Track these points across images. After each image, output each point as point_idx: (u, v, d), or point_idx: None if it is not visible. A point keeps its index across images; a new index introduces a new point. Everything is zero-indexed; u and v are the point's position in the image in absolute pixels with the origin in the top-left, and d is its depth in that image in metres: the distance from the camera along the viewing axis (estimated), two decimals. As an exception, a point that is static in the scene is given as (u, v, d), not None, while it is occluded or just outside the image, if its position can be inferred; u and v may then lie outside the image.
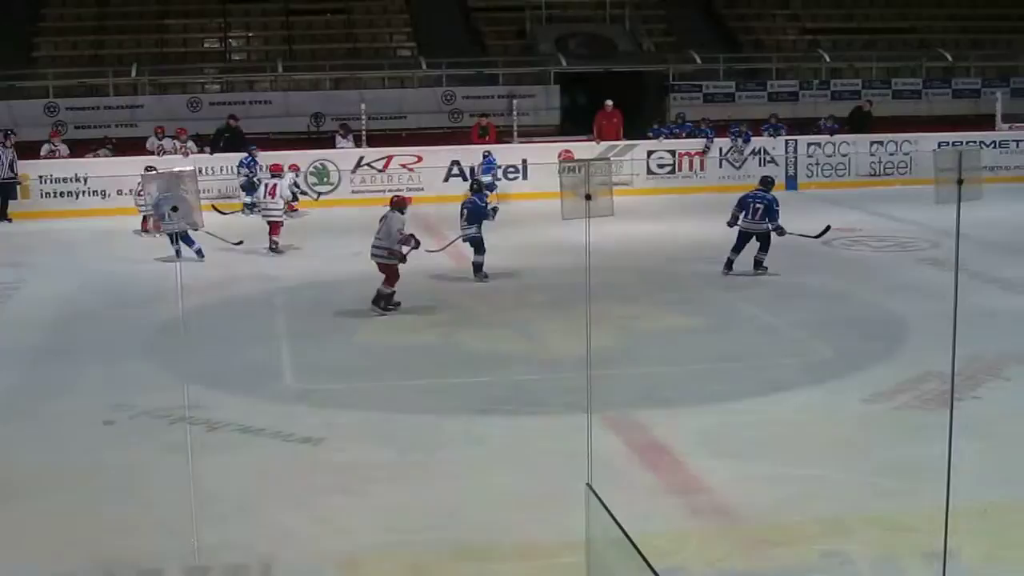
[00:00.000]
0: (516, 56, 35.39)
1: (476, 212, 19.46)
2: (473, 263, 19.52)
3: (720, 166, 29.98)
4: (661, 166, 29.93)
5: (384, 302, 17.36)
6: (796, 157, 30.18)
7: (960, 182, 5.03)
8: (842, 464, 11.18)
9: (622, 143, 29.79)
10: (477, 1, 37.26)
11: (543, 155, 28.24)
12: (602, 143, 29.50)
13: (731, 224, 19.60)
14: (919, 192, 24.46)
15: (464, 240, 19.70)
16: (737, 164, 29.93)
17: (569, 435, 11.44)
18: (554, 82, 33.93)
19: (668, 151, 30.05)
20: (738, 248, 19.40)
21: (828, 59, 34.64)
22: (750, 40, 36.72)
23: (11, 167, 27.01)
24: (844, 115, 32.04)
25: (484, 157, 28.01)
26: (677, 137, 30.83)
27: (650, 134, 30.92)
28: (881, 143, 30.50)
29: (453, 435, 12.16)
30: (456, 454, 11.66)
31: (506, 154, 29.20)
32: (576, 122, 32.72)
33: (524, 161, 29.06)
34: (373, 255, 17.57)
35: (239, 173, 27.13)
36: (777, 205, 19.47)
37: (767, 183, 20.16)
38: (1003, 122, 32.24)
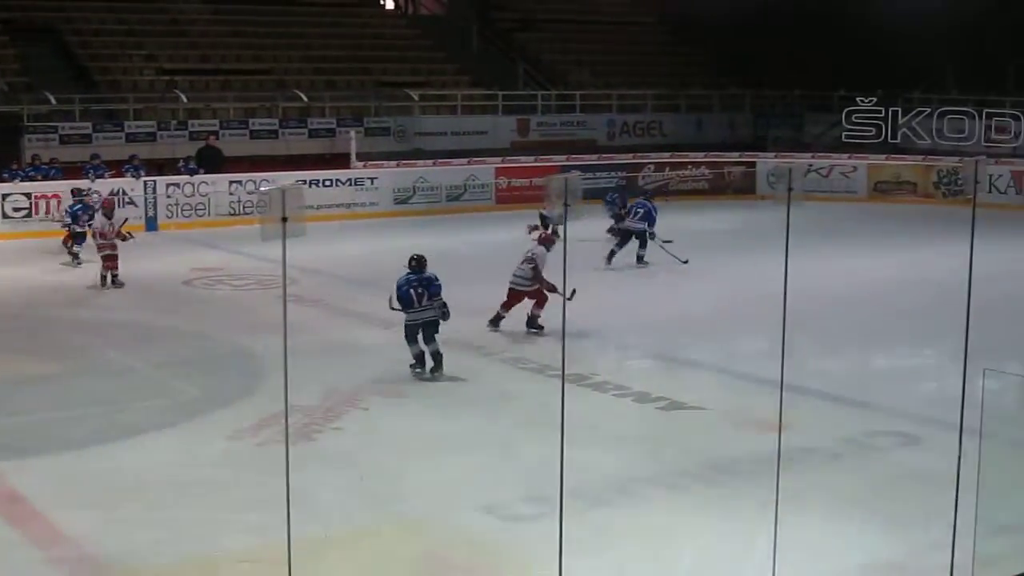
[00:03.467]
0: None
1: None
2: None
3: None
4: (17, 209, 28.83)
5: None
6: (156, 198, 29.93)
7: (284, 220, 5.15)
8: (207, 503, 11.16)
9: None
10: None
11: None
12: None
13: None
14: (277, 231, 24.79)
15: None
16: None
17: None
18: None
19: (24, 194, 28.99)
20: None
21: (185, 99, 34.58)
22: (107, 80, 36.09)
23: None
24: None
25: None
26: (33, 179, 29.81)
27: (6, 176, 29.72)
28: (240, 182, 30.78)
29: None
30: None
31: None
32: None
33: None
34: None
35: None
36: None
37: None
38: (357, 160, 33.39)
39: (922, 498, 10.89)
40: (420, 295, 15.73)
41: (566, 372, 13.67)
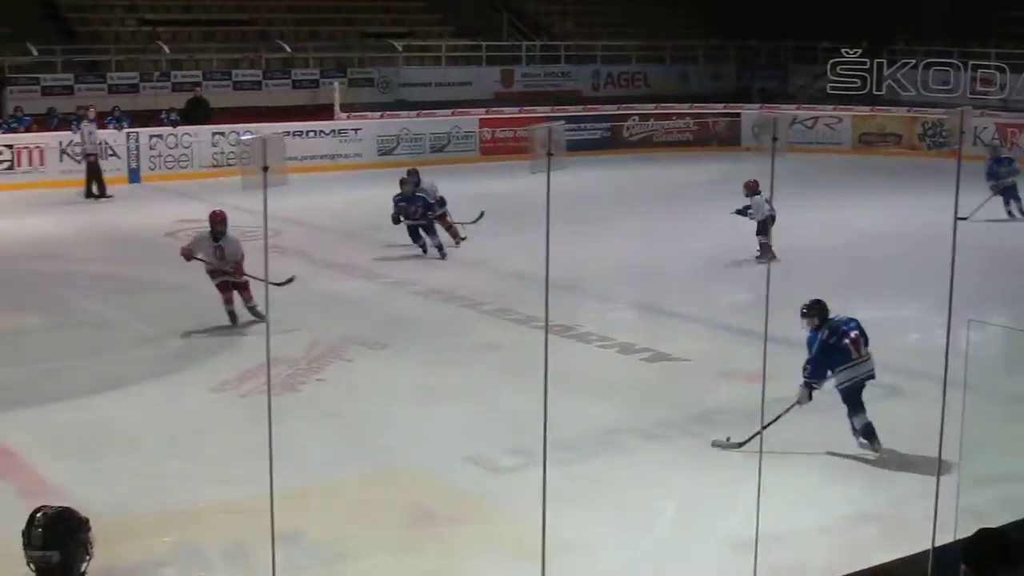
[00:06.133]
0: None
1: None
2: None
3: (61, 160, 29.04)
4: (-1, 162, 28.69)
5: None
6: (139, 149, 29.79)
7: (265, 169, 5.13)
8: (190, 454, 11.19)
9: (-48, 138, 28.33)
10: None
11: None
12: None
13: None
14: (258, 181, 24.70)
15: None
16: (78, 159, 29.14)
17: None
18: None
19: (6, 145, 28.83)
20: None
21: (168, 51, 34.37)
22: (88, 31, 35.86)
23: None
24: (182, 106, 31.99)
25: None
26: (15, 131, 29.67)
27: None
28: (223, 134, 30.62)
29: None
30: None
31: None
32: None
33: None
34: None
35: None
36: None
37: None
38: (341, 111, 33.26)
39: (906, 449, 10.95)
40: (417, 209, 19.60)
41: (550, 323, 13.75)
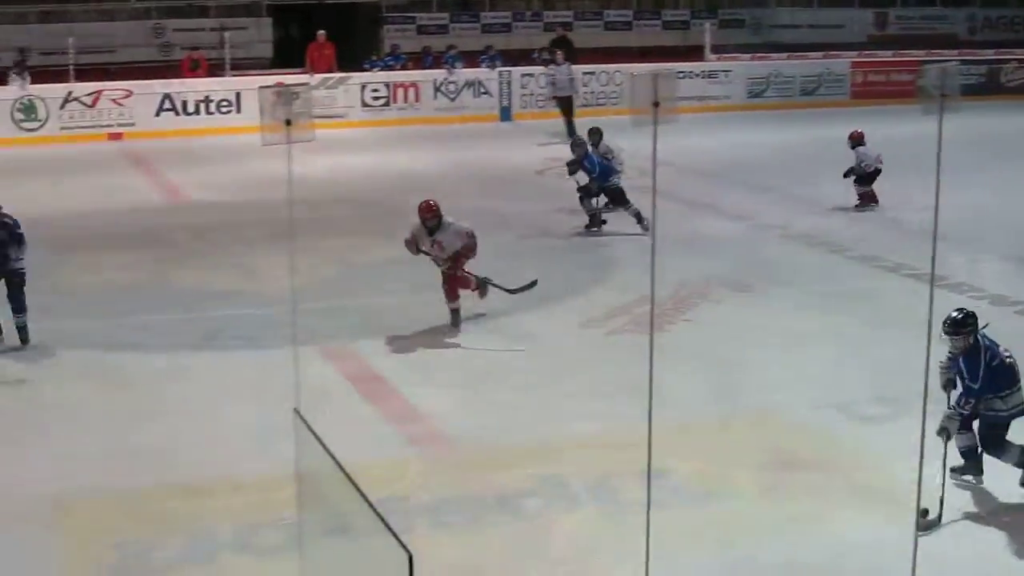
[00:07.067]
0: (226, -13, 34.70)
1: None
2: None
3: (435, 97, 29.90)
4: (376, 98, 29.71)
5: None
6: (510, 88, 30.34)
7: (656, 105, 5.08)
8: (556, 389, 11.34)
9: (336, 75, 29.45)
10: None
11: (256, 88, 27.77)
12: (315, 75, 29.09)
13: None
14: (625, 122, 24.79)
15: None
16: (452, 96, 29.94)
17: (285, 367, 11.36)
18: (266, 14, 33.35)
19: (383, 83, 29.85)
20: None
21: (541, -10, 34.93)
22: (465, -29, 36.74)
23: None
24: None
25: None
26: (391, 69, 30.69)
27: (366, 66, 30.71)
28: (593, 73, 30.85)
29: (164, 372, 11.87)
30: (166, 392, 11.40)
31: (219, 88, 28.64)
32: (289, 54, 32.23)
33: (238, 95, 28.47)
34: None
35: None
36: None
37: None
38: (711, 52, 33.05)
39: None
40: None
41: (920, 272, 13.35)
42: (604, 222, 17.78)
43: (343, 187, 21.07)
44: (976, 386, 8.75)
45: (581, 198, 17.89)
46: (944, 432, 8.73)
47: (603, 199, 17.78)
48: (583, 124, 23.46)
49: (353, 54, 31.29)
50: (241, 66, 30.70)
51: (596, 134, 18.66)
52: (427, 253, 13.44)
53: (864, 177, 18.99)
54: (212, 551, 8.27)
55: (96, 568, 8.03)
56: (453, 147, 25.94)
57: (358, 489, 4.86)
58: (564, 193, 18.78)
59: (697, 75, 31.87)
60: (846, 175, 19.16)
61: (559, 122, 27.59)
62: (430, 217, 13.39)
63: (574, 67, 28.16)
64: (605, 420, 10.36)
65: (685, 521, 8.48)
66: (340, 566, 5.42)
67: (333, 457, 5.04)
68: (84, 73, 28.93)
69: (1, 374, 11.86)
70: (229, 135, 26.48)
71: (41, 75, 28.39)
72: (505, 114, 30.11)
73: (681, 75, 31.40)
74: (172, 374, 11.85)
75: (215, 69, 30.13)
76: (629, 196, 17.28)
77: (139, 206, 19.81)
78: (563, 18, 34.47)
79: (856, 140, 19.13)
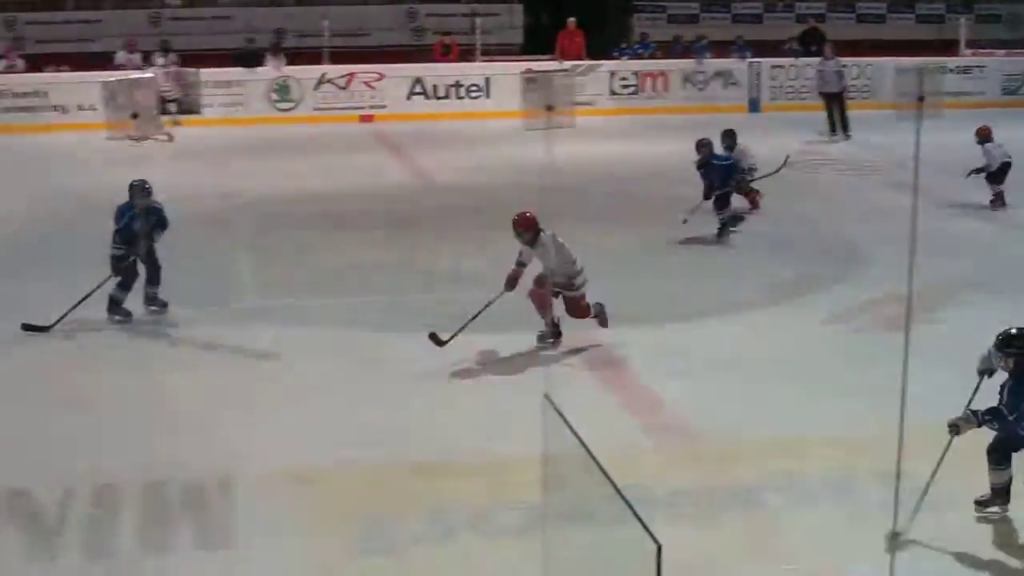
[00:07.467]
0: (480, -26, 35.14)
1: None
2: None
3: (683, 87, 29.83)
4: (624, 86, 29.76)
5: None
6: (760, 79, 30.05)
7: (921, 99, 5.00)
8: (799, 384, 11.22)
9: (585, 62, 29.59)
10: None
11: (506, 74, 28.17)
12: (565, 62, 29.28)
13: None
14: (880, 116, 24.48)
15: None
16: (701, 86, 29.82)
17: (530, 352, 11.51)
18: (518, 0, 33.67)
19: (632, 71, 29.89)
20: None
21: (795, -18, 34.51)
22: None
23: None
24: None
25: None
26: (640, 57, 30.71)
27: (615, 54, 30.81)
28: (845, 66, 30.28)
29: (410, 352, 12.05)
30: (413, 371, 11.60)
31: (469, 73, 29.07)
32: (539, 41, 32.50)
33: (487, 80, 28.87)
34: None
35: None
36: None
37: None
38: (966, 48, 32.21)
39: None
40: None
41: None
42: (742, 218, 17.45)
43: (590, 174, 21.11)
44: (1010, 418, 8.34)
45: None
46: (955, 428, 8.47)
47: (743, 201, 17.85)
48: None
49: (602, 42, 31.39)
50: (491, 52, 31.11)
51: (730, 136, 18.48)
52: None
53: (993, 174, 18.50)
54: (453, 529, 8.42)
55: (342, 540, 8.24)
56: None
57: (608, 478, 4.91)
58: (814, 185, 18.54)
59: (951, 70, 31.07)
60: (972, 173, 18.71)
61: (806, 115, 27.22)
62: (522, 230, 12.10)
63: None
64: (849, 418, 10.20)
65: (925, 526, 8.28)
66: (584, 551, 5.48)
67: (584, 444, 5.10)
68: (338, 56, 29.65)
69: (245, 349, 12.25)
70: (478, 120, 26.86)
71: (296, 57, 29.25)
72: (754, 105, 29.84)
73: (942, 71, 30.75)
74: (419, 355, 11.91)
75: (466, 54, 30.57)
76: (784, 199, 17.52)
77: (389, 186, 20.25)
78: (815, 10, 34.00)
79: (983, 136, 18.64)
